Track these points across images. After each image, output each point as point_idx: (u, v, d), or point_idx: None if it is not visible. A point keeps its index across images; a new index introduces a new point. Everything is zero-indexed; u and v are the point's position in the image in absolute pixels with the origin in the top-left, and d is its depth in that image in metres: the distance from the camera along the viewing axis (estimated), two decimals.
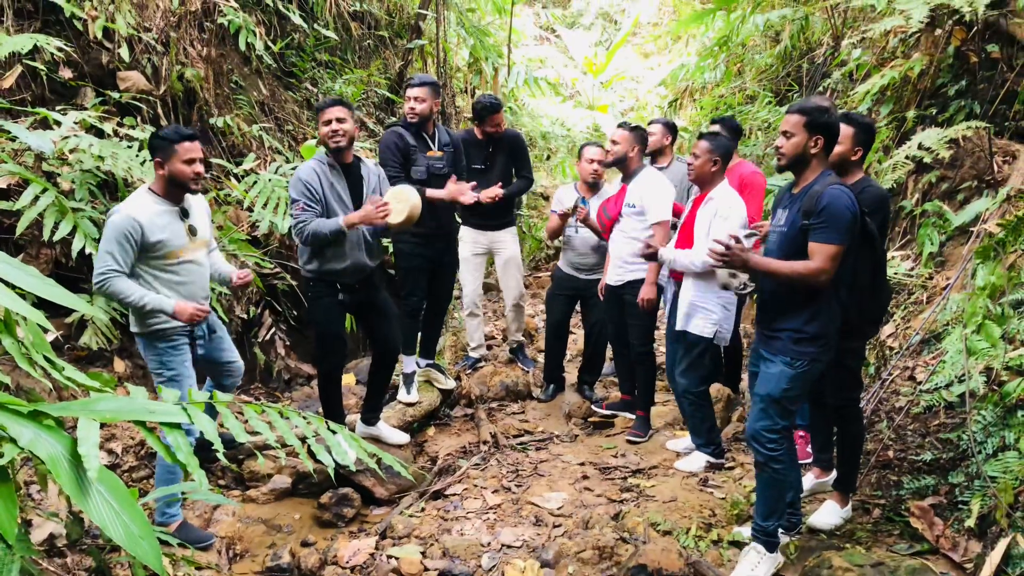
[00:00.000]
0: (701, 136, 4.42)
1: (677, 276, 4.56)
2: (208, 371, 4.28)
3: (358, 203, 4.42)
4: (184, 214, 3.84)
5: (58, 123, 4.67)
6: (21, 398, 2.61)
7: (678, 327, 4.51)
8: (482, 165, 5.78)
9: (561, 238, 5.77)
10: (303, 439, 2.32)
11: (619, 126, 5.08)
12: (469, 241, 6.03)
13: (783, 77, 9.63)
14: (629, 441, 5.15)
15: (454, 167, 5.24)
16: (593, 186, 5.56)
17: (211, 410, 3.53)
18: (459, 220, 6.07)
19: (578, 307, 5.99)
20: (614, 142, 4.96)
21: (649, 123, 5.67)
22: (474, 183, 5.17)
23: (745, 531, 3.73)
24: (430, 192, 4.97)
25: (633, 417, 5.42)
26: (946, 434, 4.10)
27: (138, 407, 2.04)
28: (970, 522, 3.38)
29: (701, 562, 3.48)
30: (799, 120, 3.23)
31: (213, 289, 5.15)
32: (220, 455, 2.12)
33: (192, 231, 3.85)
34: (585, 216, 5.30)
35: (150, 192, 3.75)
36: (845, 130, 3.63)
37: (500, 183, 5.66)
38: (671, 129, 5.73)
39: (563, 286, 5.82)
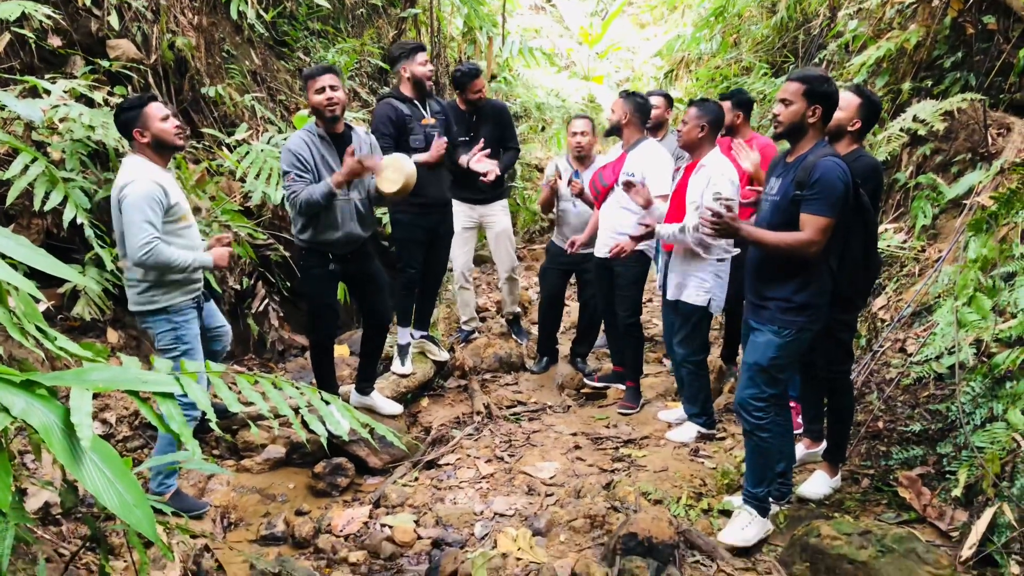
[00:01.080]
0: (691, 103, 4.40)
1: (668, 246, 4.56)
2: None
3: None
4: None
5: (47, 92, 4.62)
6: (14, 368, 2.61)
7: (670, 297, 4.53)
8: (466, 136, 5.74)
9: (555, 212, 5.75)
10: (296, 409, 2.33)
11: (620, 93, 5.05)
12: (459, 215, 6.00)
13: (779, 48, 9.57)
14: (621, 413, 5.18)
15: (447, 134, 5.24)
16: (582, 159, 5.52)
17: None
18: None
19: (572, 279, 6.00)
20: (612, 110, 4.95)
21: (648, 95, 5.61)
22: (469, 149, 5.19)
23: (735, 500, 3.77)
24: (415, 157, 4.96)
25: (624, 387, 5.45)
26: (935, 405, 4.14)
27: (131, 377, 2.04)
28: (957, 492, 3.42)
29: (691, 530, 3.53)
30: (799, 88, 3.21)
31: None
32: (213, 425, 2.12)
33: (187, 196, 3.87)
34: (580, 191, 5.27)
35: (143, 160, 3.70)
36: (852, 99, 3.63)
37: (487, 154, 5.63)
38: (669, 101, 5.71)
39: (557, 260, 5.81)
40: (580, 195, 5.30)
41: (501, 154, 5.90)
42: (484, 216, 6.11)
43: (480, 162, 5.14)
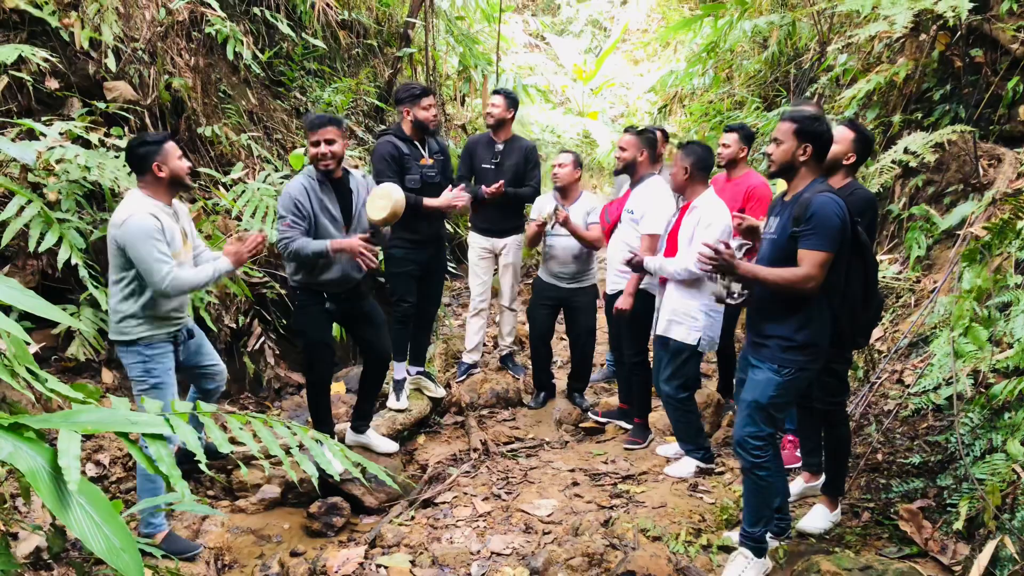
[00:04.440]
0: (677, 146, 4.45)
1: (663, 281, 4.56)
2: (190, 377, 4.23)
3: (348, 217, 4.44)
4: (176, 216, 3.84)
5: (43, 134, 4.66)
6: (4, 410, 2.59)
7: (658, 332, 4.51)
8: (491, 165, 5.81)
9: (543, 247, 5.73)
10: (287, 449, 2.31)
11: (626, 131, 5.06)
12: (476, 246, 6.07)
13: (771, 82, 9.68)
14: (627, 448, 5.13)
15: (444, 175, 5.27)
16: (563, 191, 5.54)
17: (195, 420, 3.51)
18: (462, 226, 6.09)
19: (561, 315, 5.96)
20: (622, 148, 4.95)
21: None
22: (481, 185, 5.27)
23: (735, 536, 3.73)
24: (427, 201, 5.03)
25: (628, 426, 5.41)
26: (934, 437, 4.12)
27: (120, 418, 2.03)
28: (958, 525, 3.39)
29: (690, 568, 3.48)
30: (789, 127, 3.25)
31: (202, 298, 5.16)
32: (203, 466, 2.10)
33: (184, 235, 3.85)
34: (565, 219, 5.26)
35: (145, 195, 3.70)
36: (846, 133, 3.71)
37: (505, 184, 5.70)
38: (664, 136, 5.77)
39: (545, 296, 5.76)
40: (565, 224, 5.29)
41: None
42: (497, 247, 6.09)
43: (460, 200, 5.14)
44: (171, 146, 3.73)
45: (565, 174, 5.46)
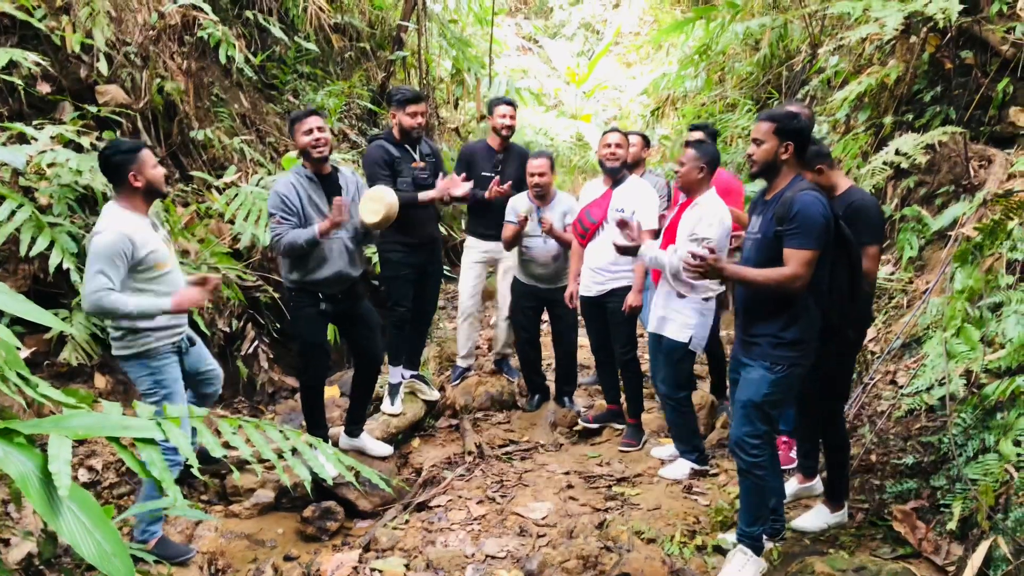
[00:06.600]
0: (688, 144, 4.43)
1: (657, 278, 4.55)
2: (189, 384, 4.22)
3: None
4: (154, 226, 3.79)
5: (35, 138, 4.64)
6: None
7: (650, 329, 4.52)
8: (492, 172, 5.78)
9: (520, 248, 5.64)
10: (280, 454, 2.30)
11: (627, 135, 5.22)
12: (472, 249, 6.04)
13: (763, 85, 9.70)
14: (622, 450, 5.12)
15: (436, 177, 5.27)
16: (541, 196, 5.53)
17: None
18: (450, 230, 6.07)
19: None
20: (625, 146, 5.08)
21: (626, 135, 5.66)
22: (472, 182, 5.27)
23: (730, 537, 3.73)
24: (422, 194, 5.02)
25: (620, 427, 5.40)
26: (927, 437, 4.12)
27: (112, 423, 2.03)
28: (952, 525, 3.39)
29: (685, 570, 3.48)
30: (769, 127, 3.26)
31: None
32: (195, 471, 2.10)
33: (167, 241, 3.82)
34: (550, 228, 5.28)
35: (122, 208, 3.63)
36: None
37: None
38: (646, 142, 5.80)
39: (528, 298, 5.74)
40: (550, 232, 5.30)
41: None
42: (495, 252, 6.08)
43: (455, 186, 5.14)
44: (146, 154, 3.65)
45: (546, 182, 5.41)
